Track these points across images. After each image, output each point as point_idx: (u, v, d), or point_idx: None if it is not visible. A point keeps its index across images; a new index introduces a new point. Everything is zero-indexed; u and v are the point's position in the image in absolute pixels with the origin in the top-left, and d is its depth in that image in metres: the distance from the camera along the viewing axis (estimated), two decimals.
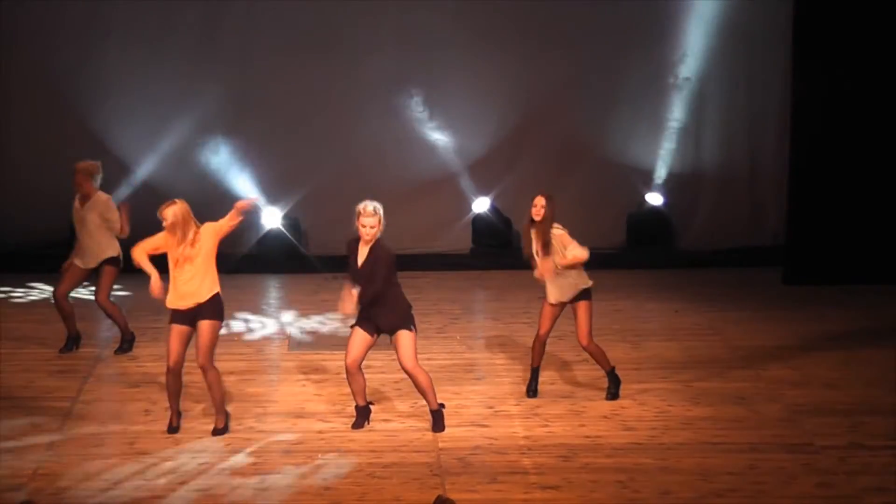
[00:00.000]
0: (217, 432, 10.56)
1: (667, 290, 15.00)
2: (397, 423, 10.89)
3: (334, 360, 12.48)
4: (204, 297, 10.40)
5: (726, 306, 14.38)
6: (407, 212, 16.02)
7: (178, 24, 15.79)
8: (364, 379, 10.69)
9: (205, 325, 10.42)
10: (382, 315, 10.51)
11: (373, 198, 15.94)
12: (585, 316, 11.26)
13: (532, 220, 11.12)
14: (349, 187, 16.07)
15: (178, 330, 10.46)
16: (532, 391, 11.50)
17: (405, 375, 10.75)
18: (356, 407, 10.78)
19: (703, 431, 10.70)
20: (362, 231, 10.43)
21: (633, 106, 16.16)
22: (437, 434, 10.61)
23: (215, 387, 10.54)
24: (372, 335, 10.58)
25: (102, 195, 12.49)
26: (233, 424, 10.79)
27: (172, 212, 10.43)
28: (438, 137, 15.96)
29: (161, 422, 10.83)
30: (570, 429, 10.77)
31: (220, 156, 15.77)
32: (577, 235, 11.66)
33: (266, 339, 13.11)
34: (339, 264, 15.78)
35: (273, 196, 15.88)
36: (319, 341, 13.19)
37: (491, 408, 11.17)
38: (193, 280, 10.37)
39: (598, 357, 11.45)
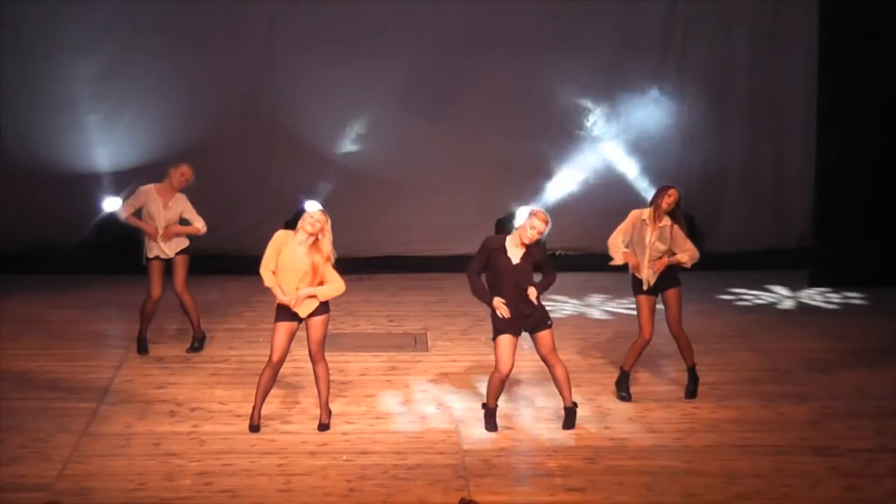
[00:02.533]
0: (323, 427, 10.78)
1: (692, 292, 14.94)
2: (422, 425, 10.90)
3: (359, 362, 12.50)
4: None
5: (752, 309, 14.34)
6: (432, 214, 16.03)
7: (198, 24, 15.80)
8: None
9: (317, 320, 10.65)
10: (534, 312, 10.56)
11: (398, 199, 16.12)
12: (678, 302, 11.36)
13: (661, 211, 11.22)
14: (374, 189, 16.10)
15: (286, 326, 10.62)
16: (625, 394, 11.48)
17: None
18: (488, 409, 10.78)
19: (729, 434, 10.68)
20: (529, 233, 10.48)
21: (656, 106, 16.12)
22: (463, 435, 10.62)
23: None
24: (517, 337, 10.63)
25: (183, 195, 12.57)
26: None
27: (326, 226, 10.61)
28: (465, 138, 15.94)
29: (186, 423, 10.86)
30: (595, 431, 10.76)
31: (241, 157, 15.78)
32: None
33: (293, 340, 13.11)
34: (361, 266, 15.88)
35: (295, 197, 15.90)
36: (345, 342, 13.20)
37: (516, 409, 11.17)
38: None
39: (686, 346, 11.49)
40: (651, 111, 16.13)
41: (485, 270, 10.61)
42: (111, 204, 15.62)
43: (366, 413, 11.15)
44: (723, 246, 16.20)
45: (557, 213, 16.13)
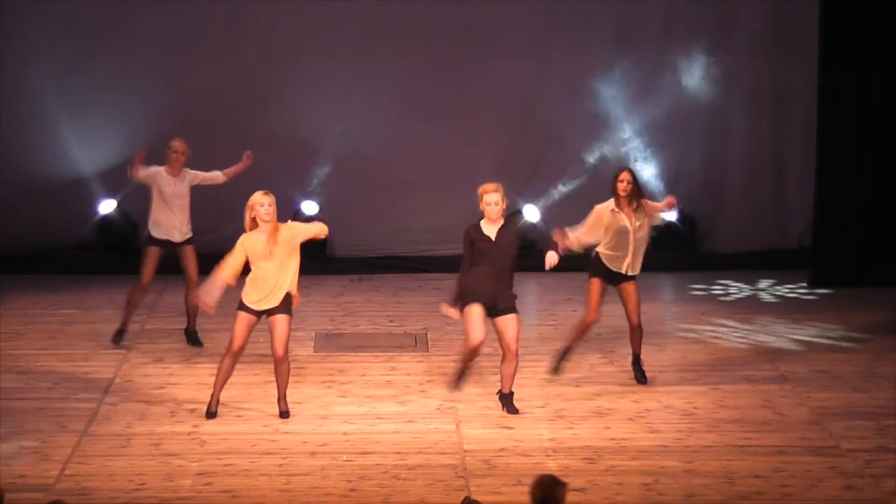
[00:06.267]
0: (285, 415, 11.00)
1: (692, 292, 14.97)
2: (422, 425, 10.90)
3: (359, 362, 12.50)
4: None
5: (752, 309, 14.34)
6: (432, 214, 16.03)
7: (198, 24, 15.79)
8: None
9: (282, 318, 10.82)
10: (504, 295, 10.84)
11: (399, 199, 16.13)
12: (638, 294, 11.63)
13: (621, 198, 11.49)
14: (374, 189, 16.11)
15: (247, 318, 10.82)
16: (557, 369, 11.81)
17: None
18: (460, 371, 11.09)
19: (729, 434, 10.68)
20: (489, 210, 10.81)
21: (656, 107, 16.12)
22: (463, 435, 10.63)
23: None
24: (487, 315, 10.89)
25: (188, 169, 12.74)
26: (258, 426, 10.83)
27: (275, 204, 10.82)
28: (465, 138, 15.94)
29: (187, 423, 10.87)
30: (595, 431, 10.76)
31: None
32: None
33: (292, 340, 13.11)
34: (364, 266, 15.89)
35: (295, 198, 15.89)
36: (345, 342, 13.20)
37: (516, 409, 11.17)
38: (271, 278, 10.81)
39: (641, 337, 11.79)
40: (650, 112, 16.13)
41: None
42: (107, 206, 15.65)
43: (366, 413, 11.16)
44: (723, 246, 16.20)
45: (558, 213, 16.17)
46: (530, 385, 11.81)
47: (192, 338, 12.87)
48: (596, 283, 11.62)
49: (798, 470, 9.96)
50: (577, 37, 15.98)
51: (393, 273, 15.74)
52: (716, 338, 13.30)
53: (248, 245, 10.81)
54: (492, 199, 10.84)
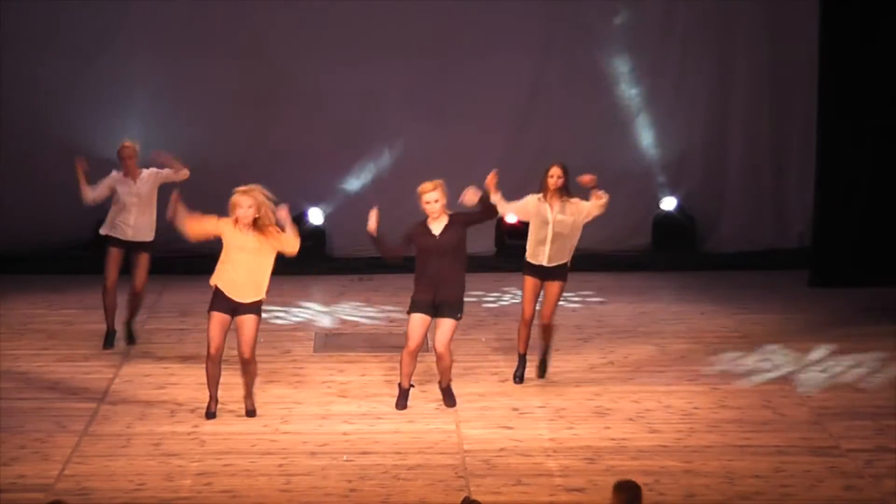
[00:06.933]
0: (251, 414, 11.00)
1: (692, 292, 14.97)
2: (422, 425, 10.91)
3: (360, 361, 12.51)
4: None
5: (752, 309, 14.34)
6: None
7: (203, 25, 15.80)
8: (416, 363, 11.22)
9: (250, 319, 10.81)
10: (448, 296, 10.95)
11: (396, 201, 16.13)
12: (558, 295, 11.68)
13: (551, 192, 11.59)
14: (375, 190, 16.10)
15: (220, 318, 10.78)
16: (519, 377, 11.82)
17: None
18: (401, 389, 11.20)
19: (730, 434, 10.68)
20: (428, 208, 10.95)
21: (658, 107, 16.13)
22: (463, 435, 10.63)
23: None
24: (430, 316, 11.03)
25: (146, 170, 12.67)
26: (258, 426, 10.84)
27: (258, 201, 10.75)
28: (466, 139, 15.94)
29: (187, 423, 10.87)
30: (595, 431, 10.76)
31: (243, 159, 15.76)
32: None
33: (291, 340, 13.13)
34: (362, 266, 15.89)
35: (299, 199, 15.89)
36: (345, 342, 13.21)
37: (516, 409, 11.18)
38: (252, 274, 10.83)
39: (549, 340, 11.87)
40: (650, 111, 16.13)
41: (409, 249, 11.08)
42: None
43: (366, 413, 11.16)
44: (723, 246, 16.20)
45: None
46: (530, 385, 11.82)
47: (128, 333, 12.83)
48: (527, 280, 11.73)
49: (798, 470, 9.96)
50: (577, 36, 15.98)
51: (393, 273, 15.72)
52: (715, 337, 13.30)
53: (225, 230, 10.79)
54: (430, 198, 10.95)
